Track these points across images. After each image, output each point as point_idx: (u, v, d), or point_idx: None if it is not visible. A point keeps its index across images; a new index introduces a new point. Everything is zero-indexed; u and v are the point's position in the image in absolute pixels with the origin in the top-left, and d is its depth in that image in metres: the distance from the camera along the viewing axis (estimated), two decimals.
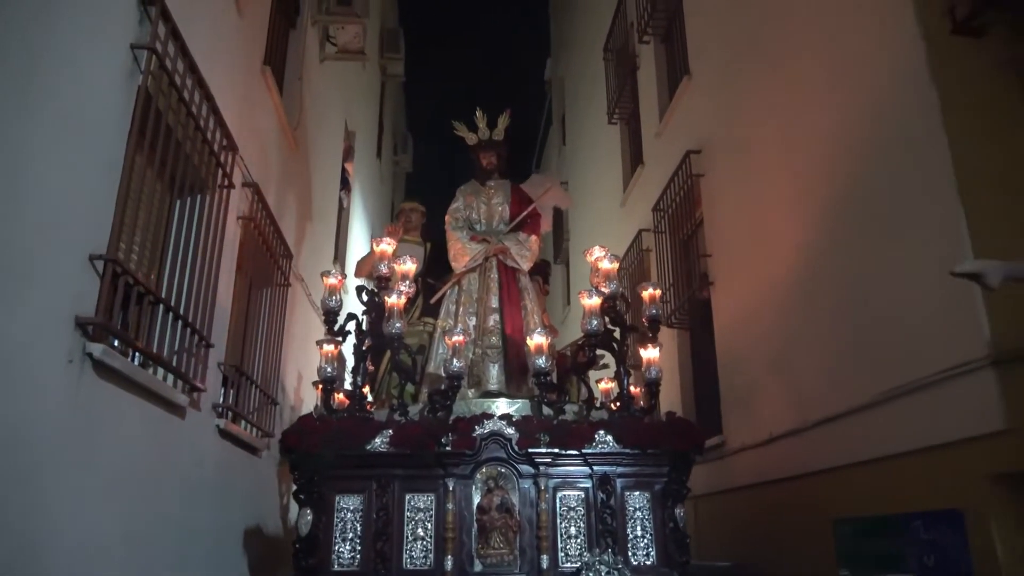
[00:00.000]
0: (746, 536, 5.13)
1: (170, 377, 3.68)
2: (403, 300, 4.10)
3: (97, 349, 2.81)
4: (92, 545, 2.92)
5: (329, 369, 4.14)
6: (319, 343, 4.21)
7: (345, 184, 9.62)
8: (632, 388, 4.55)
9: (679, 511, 3.91)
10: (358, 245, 10.20)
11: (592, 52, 11.51)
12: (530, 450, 3.81)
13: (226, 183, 4.32)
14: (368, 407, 4.33)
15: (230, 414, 4.65)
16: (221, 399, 4.55)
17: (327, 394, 4.25)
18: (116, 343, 3.08)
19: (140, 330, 3.37)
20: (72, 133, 2.75)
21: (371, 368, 4.85)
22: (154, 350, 3.45)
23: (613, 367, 4.40)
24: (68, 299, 2.73)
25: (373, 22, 11.54)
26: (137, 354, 3.29)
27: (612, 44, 10.18)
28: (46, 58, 2.57)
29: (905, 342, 3.52)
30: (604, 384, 5.24)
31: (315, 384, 4.81)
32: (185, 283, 3.85)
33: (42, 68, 2.54)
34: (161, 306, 3.48)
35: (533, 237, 4.94)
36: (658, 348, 4.26)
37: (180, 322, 3.68)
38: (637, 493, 3.94)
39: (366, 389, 4.43)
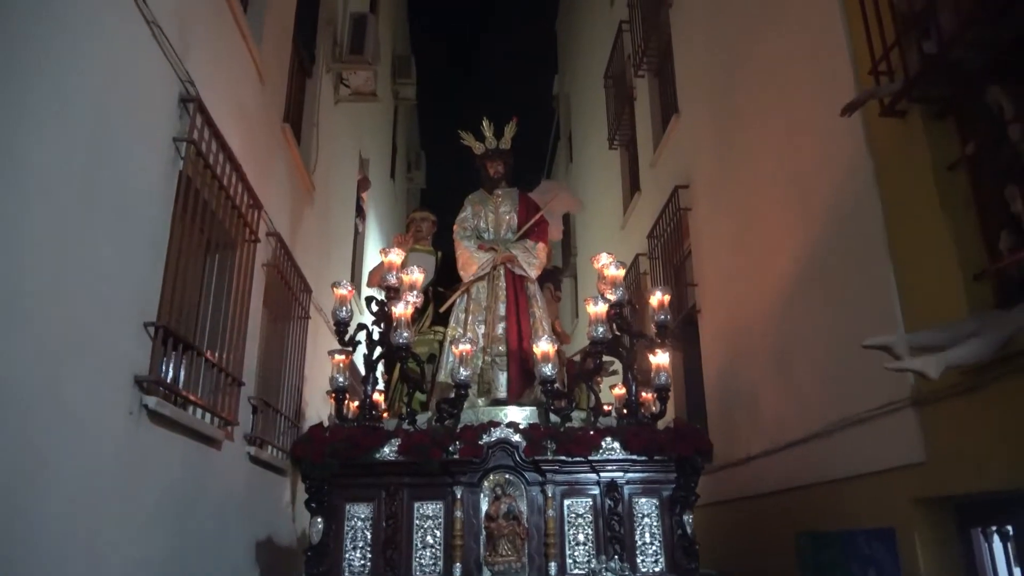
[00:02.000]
0: (726, 546, 5.61)
1: (208, 415, 4.24)
2: (410, 310, 4.13)
3: (151, 401, 3.38)
4: (144, 560, 3.47)
5: (340, 379, 4.20)
6: (330, 353, 4.33)
7: (360, 211, 10.18)
8: (643, 394, 4.74)
9: (687, 518, 3.92)
10: (373, 266, 10.77)
11: (594, 76, 11.98)
12: (536, 458, 3.83)
13: (253, 238, 4.88)
14: (384, 415, 4.50)
15: (259, 441, 5.21)
16: (251, 429, 5.11)
17: (339, 403, 4.29)
18: (163, 390, 3.63)
19: (183, 377, 3.93)
20: (127, 219, 3.31)
21: (384, 377, 5.10)
22: (195, 394, 4.01)
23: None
24: (127, 361, 3.29)
25: (385, 49, 12.11)
26: (180, 399, 3.85)
27: (611, 72, 10.65)
28: (104, 154, 3.12)
29: (851, 379, 3.99)
30: (618, 390, 5.29)
31: (328, 394, 4.96)
32: (219, 330, 4.41)
33: (100, 163, 3.09)
34: (200, 357, 4.03)
35: (540, 244, 4.97)
36: (667, 353, 4.29)
37: (215, 368, 4.24)
38: (645, 500, 3.93)
39: (379, 398, 4.60)
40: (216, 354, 4.31)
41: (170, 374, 3.65)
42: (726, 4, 6.12)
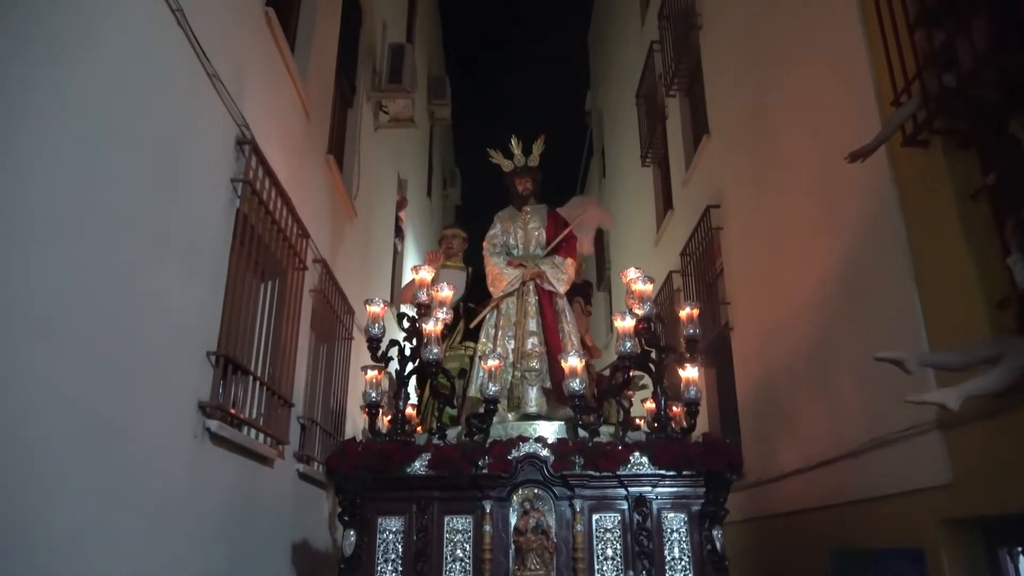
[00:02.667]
0: (759, 563, 5.70)
1: (262, 435, 4.50)
2: (440, 327, 4.20)
3: (213, 425, 3.65)
4: (209, 573, 3.73)
5: (373, 394, 4.28)
6: (363, 369, 4.43)
7: (399, 231, 10.48)
8: (673, 408, 4.77)
9: (717, 533, 3.90)
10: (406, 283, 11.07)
11: (626, 93, 12.15)
12: (565, 472, 3.86)
13: (301, 266, 5.16)
14: (418, 430, 4.61)
15: (306, 458, 5.47)
16: (299, 447, 5.37)
17: (372, 418, 4.34)
18: (223, 414, 3.90)
19: (239, 400, 4.20)
20: (192, 256, 3.59)
21: (418, 392, 5.22)
22: (251, 415, 4.28)
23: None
24: (192, 387, 3.57)
25: (420, 72, 12.44)
26: (237, 421, 4.12)
27: (643, 91, 10.81)
28: (173, 199, 3.41)
29: (880, 401, 4.09)
30: (650, 403, 5.10)
31: (362, 408, 4.97)
32: (271, 354, 4.68)
33: (170, 207, 3.37)
34: (255, 380, 4.31)
35: (569, 260, 5.00)
36: (696, 368, 4.28)
37: (268, 391, 4.51)
38: (674, 514, 3.92)
39: (411, 412, 4.69)
40: (269, 377, 4.58)
41: (228, 398, 3.91)
42: (754, 30, 6.26)
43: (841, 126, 4.57)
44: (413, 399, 5.42)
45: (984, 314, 3.32)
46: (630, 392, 5.70)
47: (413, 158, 12.16)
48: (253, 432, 4.42)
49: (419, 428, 4.82)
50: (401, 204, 10.52)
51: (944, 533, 3.54)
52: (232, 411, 3.90)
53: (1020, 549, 3.36)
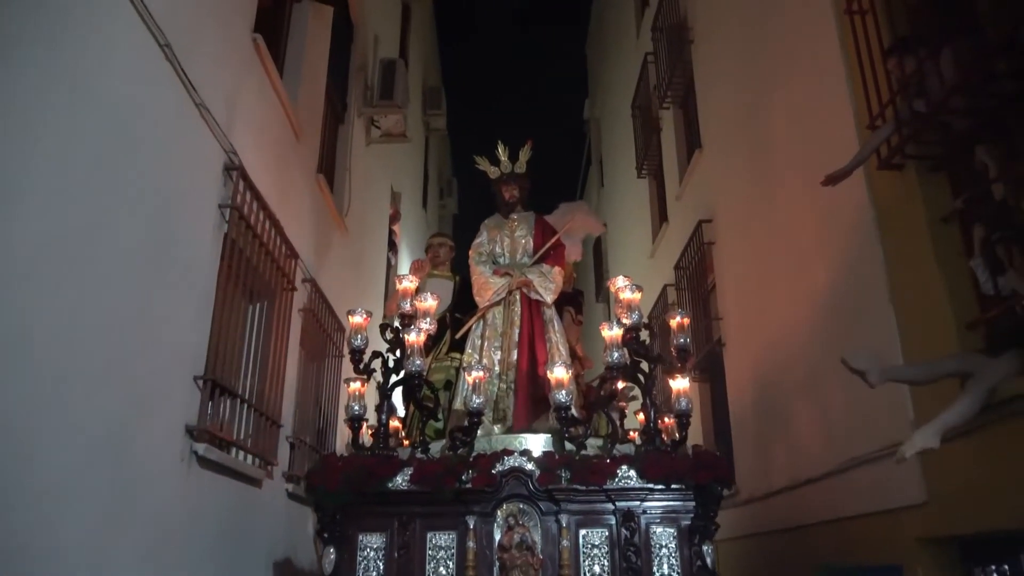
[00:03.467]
0: None
1: (250, 456, 4.66)
2: (422, 337, 4.21)
3: (200, 448, 3.81)
4: None
5: (356, 407, 4.28)
6: (346, 381, 4.45)
7: (392, 245, 10.65)
8: (665, 420, 4.80)
9: (707, 548, 3.88)
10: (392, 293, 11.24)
11: (622, 103, 12.35)
12: (551, 486, 3.85)
13: (290, 287, 5.33)
14: (404, 443, 4.64)
15: (296, 478, 5.62)
16: (288, 467, 5.53)
17: (355, 432, 4.34)
18: (211, 437, 4.06)
19: (227, 422, 4.36)
20: (180, 283, 3.76)
21: (406, 405, 5.21)
22: (240, 436, 4.44)
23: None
24: (180, 411, 3.73)
25: (415, 82, 12.65)
26: (225, 444, 4.28)
27: (638, 102, 11.01)
28: (164, 228, 3.57)
29: (859, 420, 4.25)
30: (642, 416, 5.04)
31: (346, 422, 4.94)
32: (259, 375, 4.84)
33: (161, 236, 3.54)
34: (243, 403, 4.47)
35: (556, 268, 5.00)
36: (687, 378, 4.29)
37: (256, 412, 4.67)
38: (663, 529, 3.91)
39: (397, 425, 4.71)
40: (257, 398, 4.74)
41: (216, 420, 4.08)
42: (744, 48, 6.44)
43: (826, 147, 4.74)
44: (403, 412, 5.53)
45: (955, 335, 3.47)
46: (624, 403, 5.83)
47: (407, 170, 12.34)
48: (241, 454, 4.57)
49: (405, 442, 4.84)
50: (395, 217, 10.70)
51: (921, 551, 3.69)
52: (220, 434, 4.06)
53: (995, 568, 3.50)
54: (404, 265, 11.75)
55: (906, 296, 3.87)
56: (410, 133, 10.32)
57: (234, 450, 4.46)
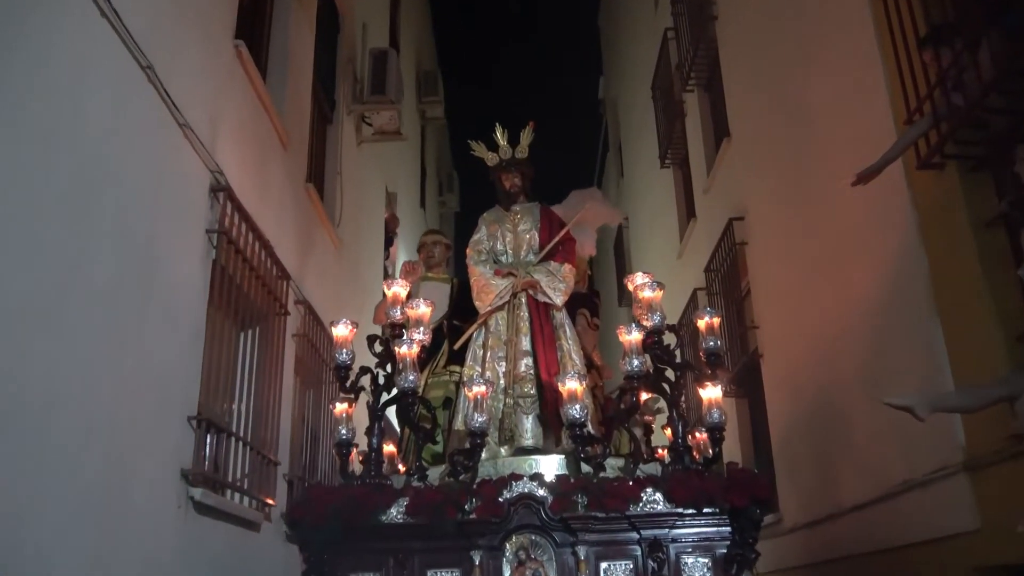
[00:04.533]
0: None
1: (247, 498, 4.93)
2: (415, 349, 4.17)
3: (197, 493, 4.09)
4: None
5: (344, 431, 4.21)
6: (332, 403, 4.43)
7: (389, 253, 10.93)
8: (695, 435, 4.85)
9: None
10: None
11: (641, 83, 12.54)
12: (565, 514, 3.80)
13: (282, 311, 5.60)
14: (400, 470, 4.66)
15: None
16: (286, 507, 5.79)
17: (344, 459, 4.25)
18: (206, 480, 4.33)
19: (223, 463, 4.62)
20: (170, 316, 4.03)
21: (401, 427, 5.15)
22: (236, 476, 4.70)
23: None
24: (175, 454, 4.00)
25: (409, 66, 12.92)
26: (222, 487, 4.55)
27: (659, 83, 11.21)
28: (151, 261, 3.84)
29: (909, 440, 4.46)
30: (669, 431, 4.98)
31: (333, 449, 4.79)
32: (254, 410, 5.11)
33: (149, 269, 3.81)
34: (239, 441, 4.74)
35: (567, 266, 4.93)
36: (719, 387, 4.23)
37: (252, 450, 4.95)
38: (695, 559, 3.86)
39: (391, 449, 4.77)
40: (252, 435, 5.00)
41: (212, 463, 4.34)
42: (772, 26, 6.63)
43: (862, 141, 4.94)
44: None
45: (1004, 349, 3.69)
46: (649, 417, 5.84)
47: (402, 166, 12.61)
48: (238, 496, 4.84)
49: (401, 468, 4.84)
50: (391, 222, 10.97)
51: None
52: (216, 476, 4.32)
53: None
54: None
55: (952, 307, 4.08)
56: (405, 125, 10.60)
57: (229, 492, 4.73)
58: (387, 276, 10.91)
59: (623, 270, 15.15)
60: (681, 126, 10.14)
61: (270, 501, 5.23)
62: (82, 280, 3.27)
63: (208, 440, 4.30)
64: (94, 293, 3.36)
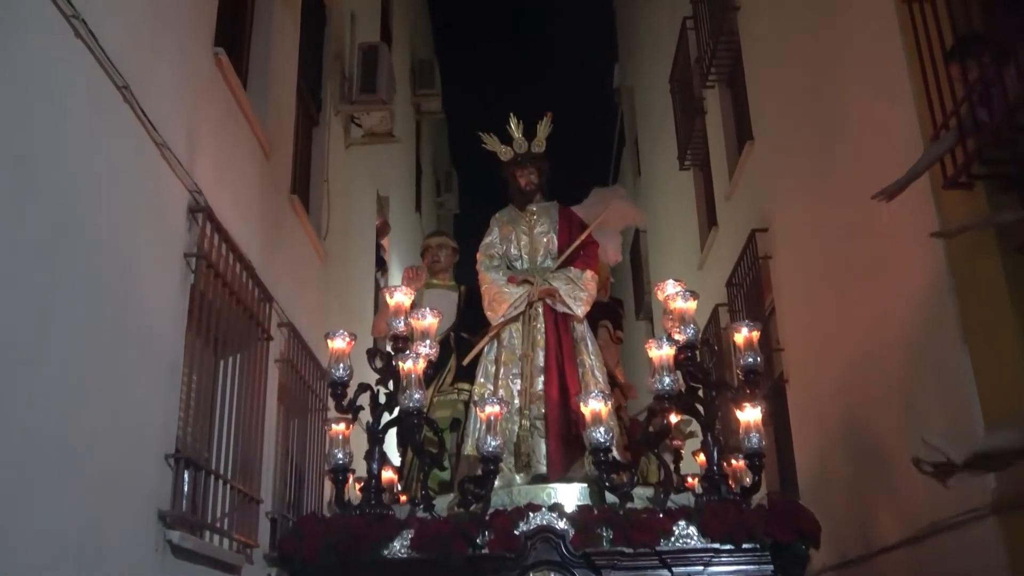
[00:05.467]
0: None
1: (227, 540, 5.16)
2: (421, 364, 4.18)
3: (175, 536, 4.32)
4: None
5: (340, 455, 4.24)
6: (327, 423, 4.49)
7: (381, 263, 11.16)
8: (732, 462, 4.95)
9: None
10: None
11: (658, 73, 12.73)
12: (588, 550, 3.81)
13: (265, 336, 5.83)
14: (400, 500, 4.73)
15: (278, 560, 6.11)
16: (270, 547, 6.02)
17: (340, 486, 4.31)
18: (185, 522, 4.56)
19: (201, 502, 4.85)
20: (146, 348, 4.26)
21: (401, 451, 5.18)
22: (216, 515, 4.93)
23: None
24: (151, 495, 4.23)
25: (403, 54, 13.15)
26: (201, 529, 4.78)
27: (677, 75, 11.41)
28: (126, 291, 4.07)
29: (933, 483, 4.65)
30: (702, 458, 5.07)
31: (327, 474, 4.78)
32: (234, 445, 5.33)
33: (123, 300, 4.03)
34: (219, 480, 4.97)
35: (588, 273, 4.96)
36: (759, 408, 4.26)
37: (233, 488, 5.17)
38: None
39: (390, 475, 4.88)
40: (233, 471, 5.23)
41: (190, 503, 4.57)
42: (797, 21, 6.83)
43: (889, 153, 5.14)
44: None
45: None
46: (679, 442, 5.80)
47: (395, 167, 12.84)
48: (217, 537, 5.06)
49: (402, 497, 4.88)
50: (383, 230, 11.20)
51: None
52: (194, 519, 4.55)
53: None
54: (396, 282, 12.22)
55: (981, 338, 4.27)
56: (398, 122, 10.83)
57: (208, 534, 4.95)
58: (379, 289, 11.15)
59: (640, 279, 15.34)
60: (701, 124, 10.33)
61: (251, 543, 5.44)
62: (58, 316, 3.50)
63: (186, 479, 4.52)
64: (70, 328, 3.59)
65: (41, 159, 3.38)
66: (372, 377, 4.48)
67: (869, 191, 5.49)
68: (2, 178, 3.17)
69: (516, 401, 4.71)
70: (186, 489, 4.54)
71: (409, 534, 3.90)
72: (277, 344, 6.32)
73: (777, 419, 7.82)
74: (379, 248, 11.16)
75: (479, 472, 4.10)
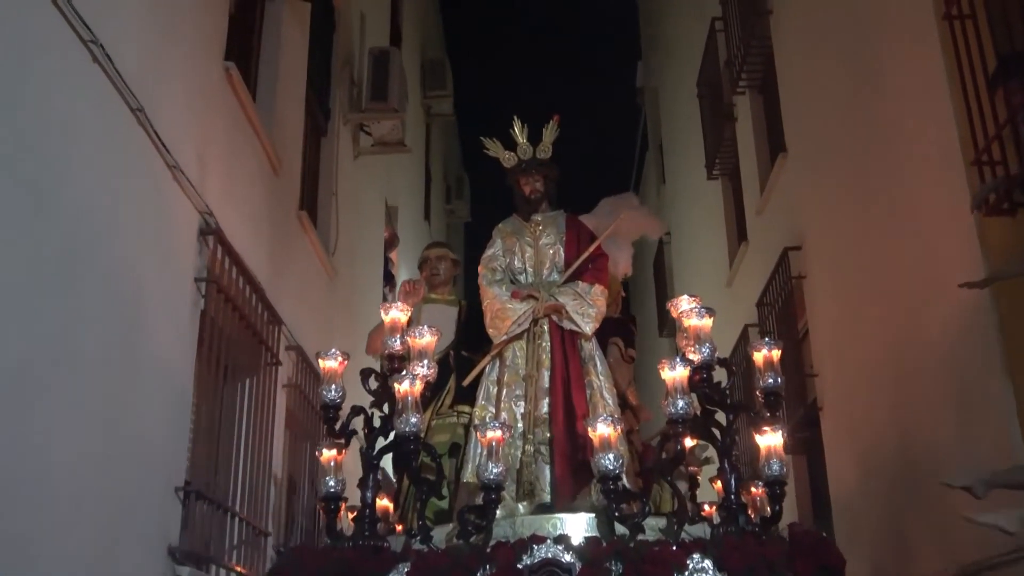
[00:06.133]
0: None
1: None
2: (418, 386, 4.21)
3: (185, 572, 4.52)
4: None
5: (332, 483, 4.28)
6: (318, 449, 4.54)
7: (389, 277, 11.35)
8: (751, 490, 5.05)
9: None
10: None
11: (685, 75, 12.88)
12: None
13: (273, 361, 6.03)
14: (396, 530, 4.80)
15: None
16: (268, 570, 6.20)
17: (331, 515, 4.34)
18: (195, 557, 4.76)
19: (208, 535, 5.04)
20: (157, 378, 4.46)
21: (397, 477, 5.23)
22: (223, 552, 5.12)
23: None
24: (161, 530, 4.43)
25: (413, 54, 13.36)
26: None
27: (705, 79, 11.56)
28: (139, 319, 4.27)
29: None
30: (719, 485, 5.07)
31: (318, 503, 4.81)
32: (242, 475, 5.53)
33: (135, 329, 4.24)
34: (227, 513, 5.16)
35: (597, 287, 4.98)
36: (780, 433, 4.29)
37: (241, 520, 5.37)
38: None
39: (385, 504, 4.99)
40: (241, 503, 5.42)
41: (200, 538, 4.76)
42: (833, 27, 6.99)
43: (928, 174, 5.30)
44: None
45: None
46: (694, 468, 5.99)
47: (404, 173, 13.04)
48: (224, 572, 5.25)
49: (398, 527, 4.94)
50: (391, 242, 11.40)
51: None
52: (205, 556, 4.74)
53: None
54: None
55: (1022, 368, 4.43)
56: (408, 128, 11.01)
57: (215, 567, 5.14)
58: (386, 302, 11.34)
59: (664, 293, 15.44)
60: (731, 132, 10.46)
61: None
62: (69, 345, 3.71)
63: (197, 512, 4.71)
64: (81, 358, 3.80)
65: (55, 184, 3.59)
66: (367, 399, 4.54)
67: (908, 212, 5.68)
68: (16, 203, 3.37)
69: (519, 425, 4.75)
70: (195, 522, 4.72)
71: (405, 567, 3.91)
72: (285, 368, 6.52)
73: (810, 448, 7.96)
74: (387, 262, 11.35)
75: (480, 501, 4.13)
